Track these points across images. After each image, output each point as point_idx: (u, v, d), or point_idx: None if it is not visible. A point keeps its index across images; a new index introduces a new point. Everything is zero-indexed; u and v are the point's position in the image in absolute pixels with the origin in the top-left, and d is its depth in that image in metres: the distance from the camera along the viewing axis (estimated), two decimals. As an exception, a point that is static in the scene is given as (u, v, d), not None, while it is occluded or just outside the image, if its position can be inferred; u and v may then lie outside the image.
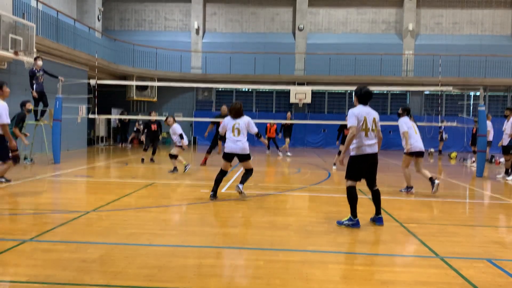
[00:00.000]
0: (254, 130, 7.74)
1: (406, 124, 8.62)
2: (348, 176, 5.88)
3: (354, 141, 5.76)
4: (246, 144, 7.60)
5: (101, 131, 23.47)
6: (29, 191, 8.06)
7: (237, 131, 7.55)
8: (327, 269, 4.14)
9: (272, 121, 18.33)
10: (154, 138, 14.14)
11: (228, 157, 7.59)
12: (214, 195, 7.51)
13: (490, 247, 5.03)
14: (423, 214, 6.79)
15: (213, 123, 13.31)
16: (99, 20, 23.06)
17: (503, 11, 25.29)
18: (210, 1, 26.23)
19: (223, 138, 8.59)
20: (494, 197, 8.81)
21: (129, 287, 3.61)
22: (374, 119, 5.86)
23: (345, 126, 13.11)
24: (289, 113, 18.71)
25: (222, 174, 7.65)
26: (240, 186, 7.59)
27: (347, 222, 5.82)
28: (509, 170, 11.61)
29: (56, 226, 5.46)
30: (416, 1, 25.08)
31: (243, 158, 7.63)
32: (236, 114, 7.74)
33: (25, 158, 12.55)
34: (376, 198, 6.02)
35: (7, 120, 7.45)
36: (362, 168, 5.82)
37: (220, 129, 8.04)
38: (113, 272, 3.90)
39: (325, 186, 9.65)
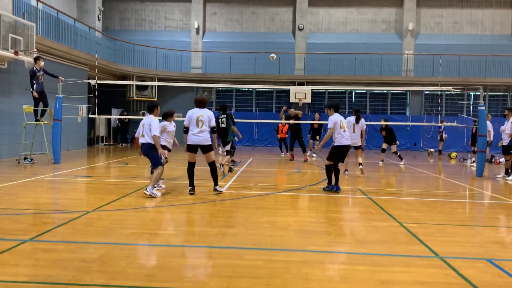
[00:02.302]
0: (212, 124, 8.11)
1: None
2: (329, 159, 8.68)
3: (336, 136, 8.63)
4: (209, 135, 8.03)
5: (101, 131, 23.46)
6: (29, 191, 8.06)
7: (201, 123, 7.98)
8: (327, 269, 4.14)
9: (284, 121, 17.74)
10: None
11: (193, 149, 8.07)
12: (192, 189, 8.01)
13: (490, 247, 5.03)
14: (423, 214, 6.79)
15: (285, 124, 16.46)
16: (99, 19, 23.06)
17: (503, 11, 25.28)
18: (210, 0, 26.23)
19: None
20: (494, 197, 8.81)
21: (129, 287, 3.61)
22: (344, 121, 8.81)
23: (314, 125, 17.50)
24: (317, 114, 18.11)
25: (191, 166, 8.12)
26: (217, 187, 8.12)
27: (327, 187, 8.66)
28: (509, 170, 11.61)
29: (56, 226, 5.46)
30: (416, 1, 25.07)
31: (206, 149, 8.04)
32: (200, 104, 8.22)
33: (25, 158, 12.55)
34: (336, 173, 8.64)
35: (157, 132, 7.90)
36: (340, 154, 8.66)
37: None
38: (113, 272, 3.90)
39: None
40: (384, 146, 15.49)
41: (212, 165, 8.11)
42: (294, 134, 15.69)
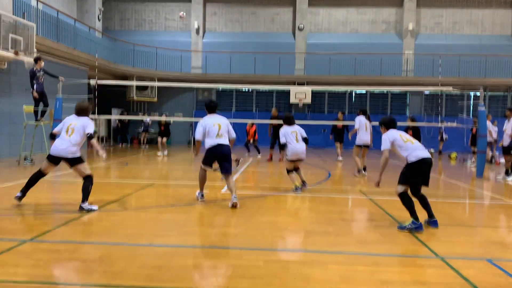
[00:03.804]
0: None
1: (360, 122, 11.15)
2: (402, 182, 6.00)
3: (405, 153, 5.97)
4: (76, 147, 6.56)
5: (102, 131, 23.47)
6: (29, 191, 8.04)
7: (71, 131, 6.56)
8: (327, 269, 4.14)
9: (250, 121, 16.94)
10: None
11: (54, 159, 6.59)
12: (21, 196, 6.60)
13: (490, 247, 5.03)
14: (423, 215, 6.78)
15: (271, 125, 15.61)
16: (99, 20, 23.07)
17: (503, 11, 25.29)
18: (210, 1, 26.23)
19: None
20: (494, 197, 8.81)
21: (129, 287, 3.61)
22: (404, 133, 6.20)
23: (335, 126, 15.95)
24: (340, 113, 16.07)
25: (38, 175, 6.70)
26: (83, 205, 6.38)
27: (409, 225, 5.66)
28: (509, 171, 11.60)
29: (56, 226, 5.46)
30: (416, 1, 25.08)
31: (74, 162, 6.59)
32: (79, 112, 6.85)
33: (25, 159, 12.54)
34: (424, 203, 6.00)
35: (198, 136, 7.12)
36: (419, 172, 5.92)
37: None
38: (113, 272, 3.90)
39: (325, 186, 9.65)
40: None
41: (85, 179, 6.56)
42: (277, 134, 15.01)
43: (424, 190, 5.96)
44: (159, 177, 10.75)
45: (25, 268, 3.98)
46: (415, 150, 5.94)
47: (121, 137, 23.36)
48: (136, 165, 13.31)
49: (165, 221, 6.03)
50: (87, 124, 6.68)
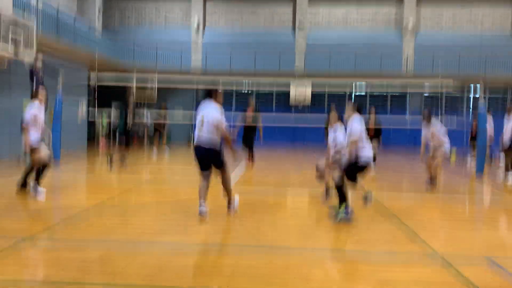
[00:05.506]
0: None
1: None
2: (349, 176, 6.16)
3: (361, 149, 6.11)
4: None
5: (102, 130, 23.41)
6: (29, 191, 8.04)
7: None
8: (327, 269, 4.14)
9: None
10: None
11: None
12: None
13: (490, 246, 5.03)
14: (423, 214, 6.79)
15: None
16: (99, 18, 23.04)
17: (503, 9, 25.27)
18: (210, -2, 26.23)
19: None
20: (494, 196, 8.81)
21: (129, 286, 3.61)
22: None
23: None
24: (373, 108, 12.85)
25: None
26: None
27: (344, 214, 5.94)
28: (509, 168, 11.59)
29: (56, 226, 5.46)
30: (416, -1, 25.08)
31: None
32: None
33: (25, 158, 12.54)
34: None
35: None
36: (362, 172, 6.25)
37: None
38: (113, 272, 3.90)
39: (325, 185, 9.63)
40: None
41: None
42: (248, 133, 13.28)
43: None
44: (159, 176, 10.75)
45: (25, 267, 3.98)
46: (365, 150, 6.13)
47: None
48: (136, 164, 13.31)
49: (166, 220, 6.03)
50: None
